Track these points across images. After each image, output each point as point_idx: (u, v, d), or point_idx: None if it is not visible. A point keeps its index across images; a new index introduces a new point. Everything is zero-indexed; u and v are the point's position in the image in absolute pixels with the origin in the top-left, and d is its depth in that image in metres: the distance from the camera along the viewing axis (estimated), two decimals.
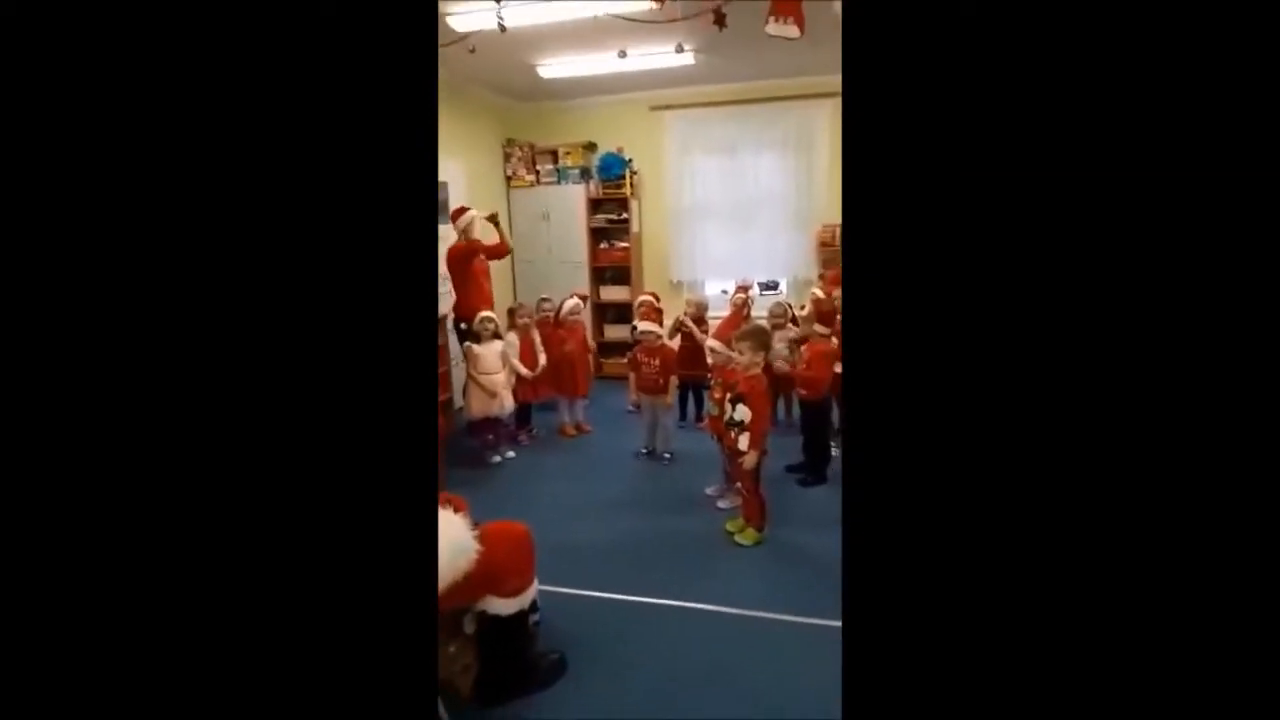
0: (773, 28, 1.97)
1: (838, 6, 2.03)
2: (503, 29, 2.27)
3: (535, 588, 1.83)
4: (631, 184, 5.02)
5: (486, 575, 1.63)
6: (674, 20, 2.14)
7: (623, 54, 3.06)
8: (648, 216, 5.27)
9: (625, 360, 4.31)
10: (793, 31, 1.96)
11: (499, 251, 3.89)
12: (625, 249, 5.10)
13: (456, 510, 1.64)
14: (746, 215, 5.04)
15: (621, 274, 5.18)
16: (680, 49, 2.39)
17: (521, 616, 1.77)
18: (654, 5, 1.99)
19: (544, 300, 3.99)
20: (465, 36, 2.44)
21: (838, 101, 4.60)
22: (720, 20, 2.04)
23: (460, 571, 1.54)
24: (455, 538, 1.56)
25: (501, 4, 2.18)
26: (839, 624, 1.98)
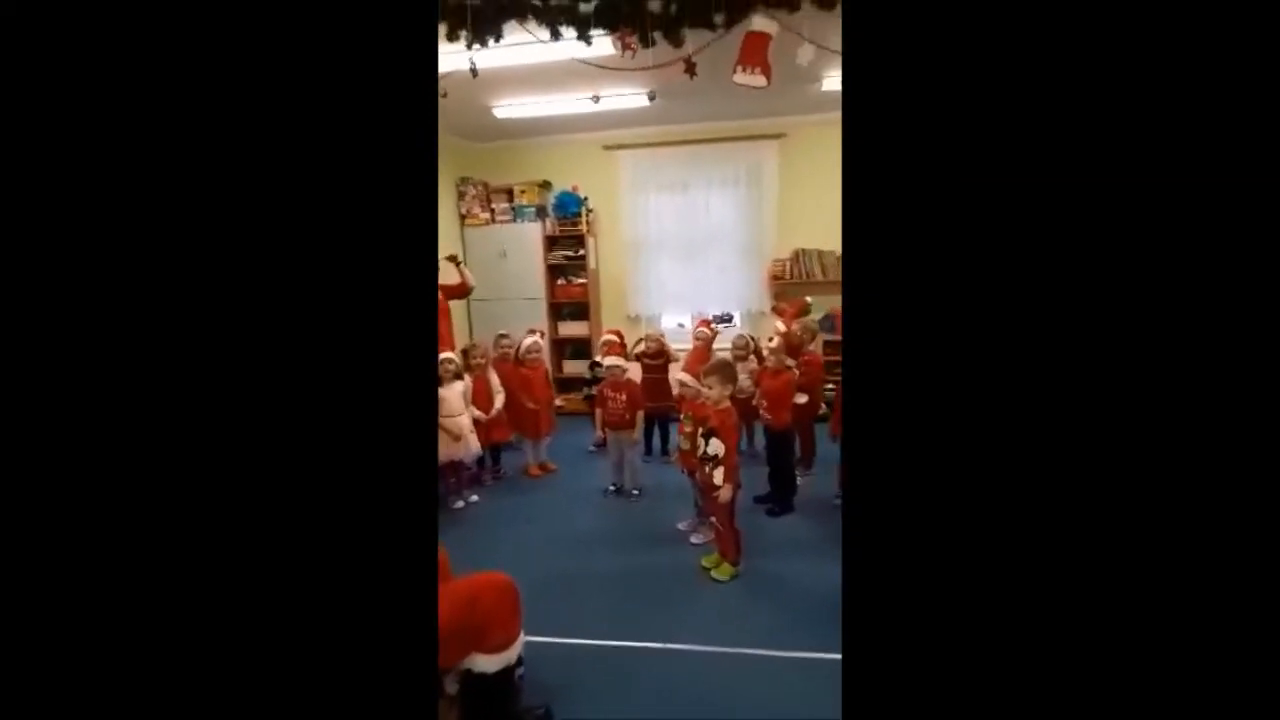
0: (740, 77, 2.06)
1: (803, 54, 2.15)
2: (474, 73, 2.28)
3: (522, 640, 1.76)
4: (587, 221, 5.07)
5: (471, 631, 1.56)
6: (645, 68, 2.21)
7: (596, 99, 3.12)
8: (604, 252, 5.32)
9: (583, 397, 4.31)
10: (759, 81, 2.06)
11: (460, 291, 3.83)
12: (583, 285, 5.11)
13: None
14: (700, 250, 5.17)
15: (580, 310, 5.19)
16: (653, 97, 2.46)
17: (507, 673, 1.69)
18: (626, 53, 2.06)
19: (502, 337, 3.93)
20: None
21: (783, 142, 4.85)
22: (691, 69, 2.13)
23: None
24: None
25: (474, 49, 2.20)
26: (825, 656, 2.02)
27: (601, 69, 2.45)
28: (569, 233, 5.07)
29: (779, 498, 3.19)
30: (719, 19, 2.06)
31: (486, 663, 1.62)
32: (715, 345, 3.90)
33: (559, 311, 5.22)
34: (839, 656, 1.97)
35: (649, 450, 3.94)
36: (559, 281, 5.15)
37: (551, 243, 5.08)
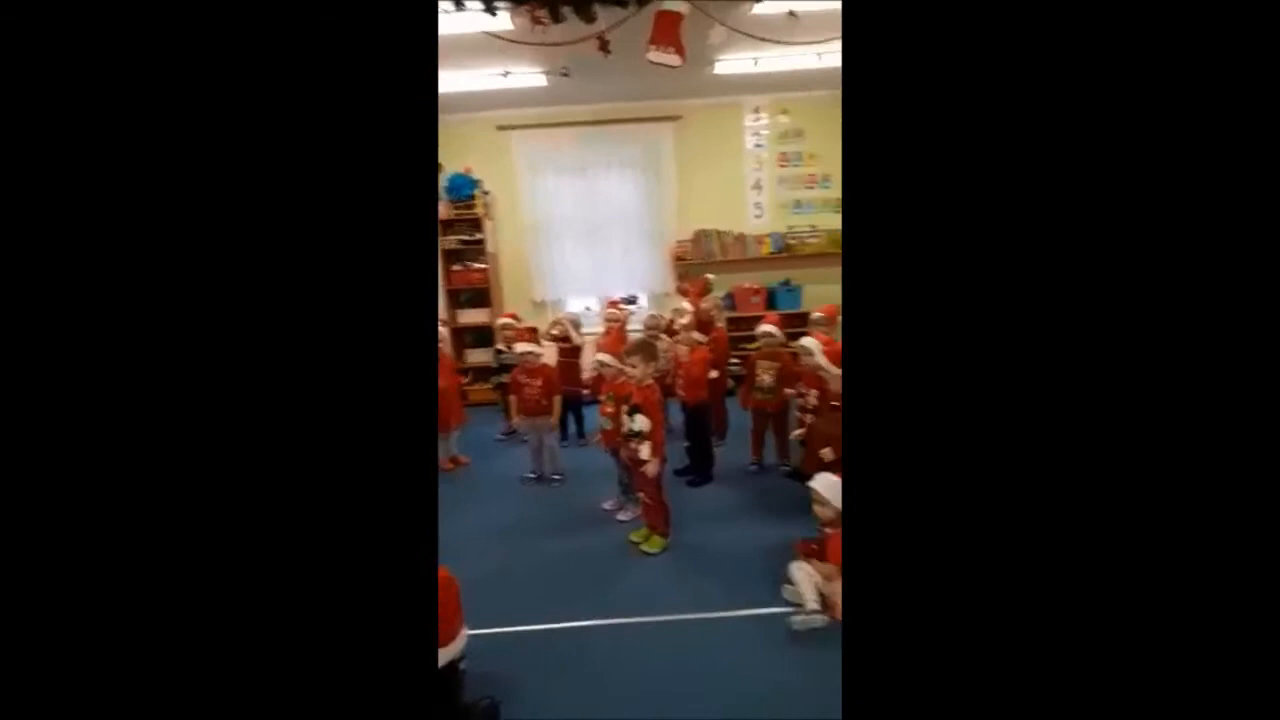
0: (655, 55, 2.07)
1: (715, 35, 2.19)
2: None
3: (464, 635, 1.71)
4: (484, 204, 4.89)
5: None
6: (558, 44, 2.15)
7: (506, 73, 3.00)
8: (504, 236, 5.16)
9: (493, 386, 4.19)
10: (674, 60, 2.07)
11: None
12: (483, 270, 4.94)
13: None
14: (601, 233, 5.17)
15: (480, 296, 5.01)
16: (566, 73, 2.40)
17: (451, 667, 1.64)
18: (535, 27, 1.99)
19: None
20: None
21: (678, 124, 4.94)
22: (605, 46, 2.10)
23: None
24: None
25: None
26: (759, 612, 2.14)
27: (511, 43, 2.36)
28: (464, 216, 4.87)
29: (698, 469, 3.30)
30: None
31: None
32: (628, 326, 3.94)
33: (456, 298, 5.01)
34: (773, 610, 2.12)
35: (564, 435, 3.91)
36: (455, 267, 4.94)
37: (446, 226, 4.85)
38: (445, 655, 1.61)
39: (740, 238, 5.07)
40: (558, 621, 2.17)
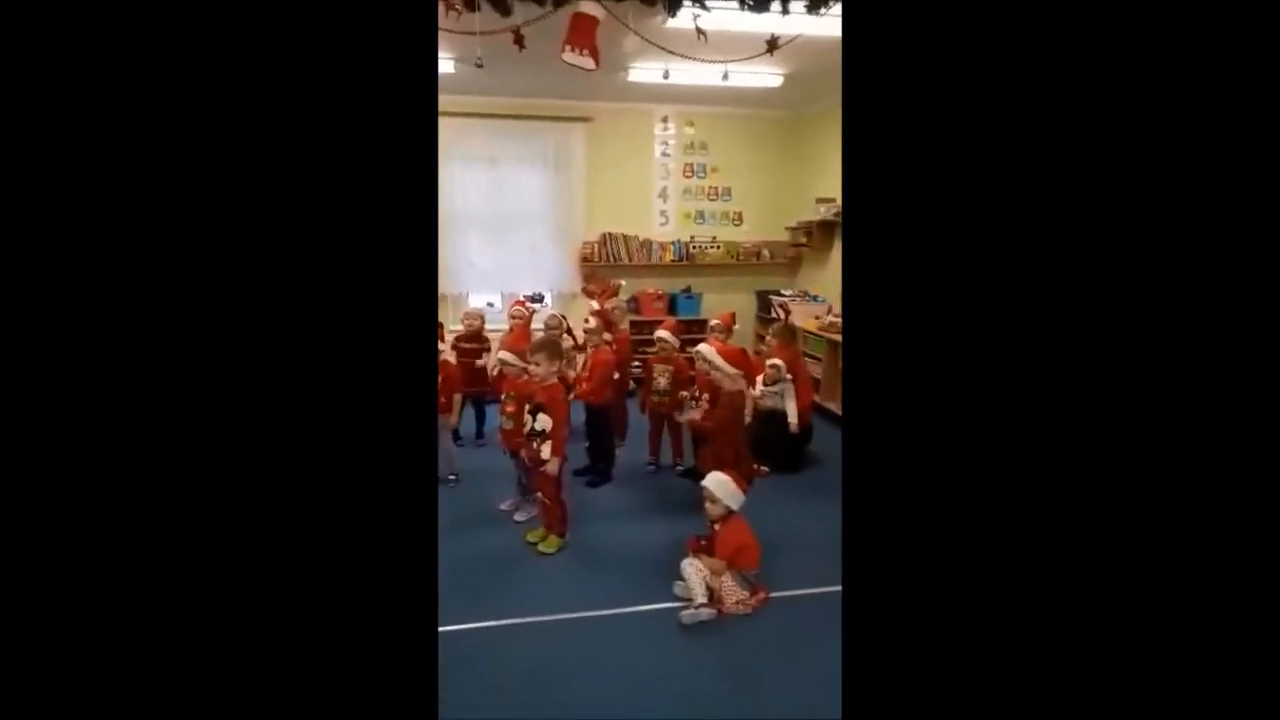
0: (569, 57, 2.08)
1: (629, 43, 2.22)
2: None
3: None
4: None
5: None
6: (470, 33, 2.11)
7: None
8: None
9: None
10: (588, 63, 2.10)
11: None
12: None
13: None
14: (509, 229, 5.08)
15: None
16: (480, 64, 2.35)
17: None
18: (449, 14, 1.94)
19: None
20: None
21: (590, 126, 4.97)
22: (520, 41, 2.08)
23: None
24: None
25: None
26: (657, 607, 2.21)
27: None
28: None
29: (598, 469, 3.34)
30: None
31: None
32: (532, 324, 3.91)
33: None
34: (668, 605, 2.20)
35: (457, 436, 3.81)
36: None
37: None
38: None
39: (645, 243, 5.18)
40: (454, 624, 2.12)
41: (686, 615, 2.14)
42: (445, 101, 4.66)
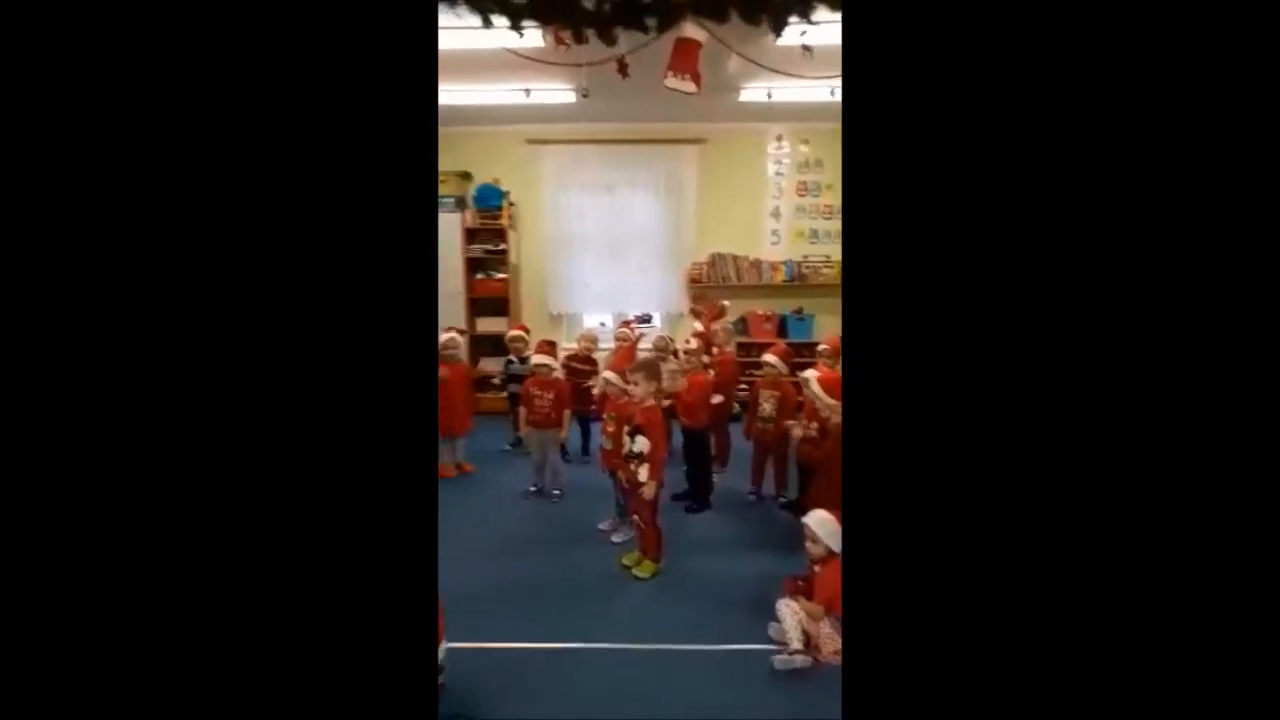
0: (671, 82, 2.10)
1: (732, 65, 2.20)
2: None
3: (444, 647, 1.70)
4: (509, 215, 4.96)
5: None
6: (578, 65, 2.19)
7: (528, 92, 3.05)
8: (525, 248, 5.23)
9: (506, 395, 4.22)
10: (690, 87, 2.10)
11: None
12: (503, 280, 5.00)
13: None
14: (621, 251, 5.20)
15: (499, 305, 5.07)
16: (586, 94, 2.44)
17: None
18: (559, 47, 2.03)
19: None
20: None
21: (702, 147, 4.98)
22: (624, 69, 2.14)
23: None
24: None
25: None
26: (746, 647, 2.10)
27: (533, 61, 2.41)
28: (489, 226, 4.95)
29: (696, 496, 3.27)
30: (651, 22, 2.09)
31: None
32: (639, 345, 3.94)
33: (477, 307, 5.08)
34: (760, 647, 2.08)
35: (565, 452, 3.92)
36: (477, 276, 5.01)
37: (471, 235, 4.94)
38: None
39: (756, 263, 5.07)
40: (541, 641, 2.15)
41: (779, 661, 2.01)
42: (564, 130, 4.92)
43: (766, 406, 3.23)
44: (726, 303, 4.28)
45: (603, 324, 5.27)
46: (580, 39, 2.09)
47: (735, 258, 5.08)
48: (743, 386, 3.96)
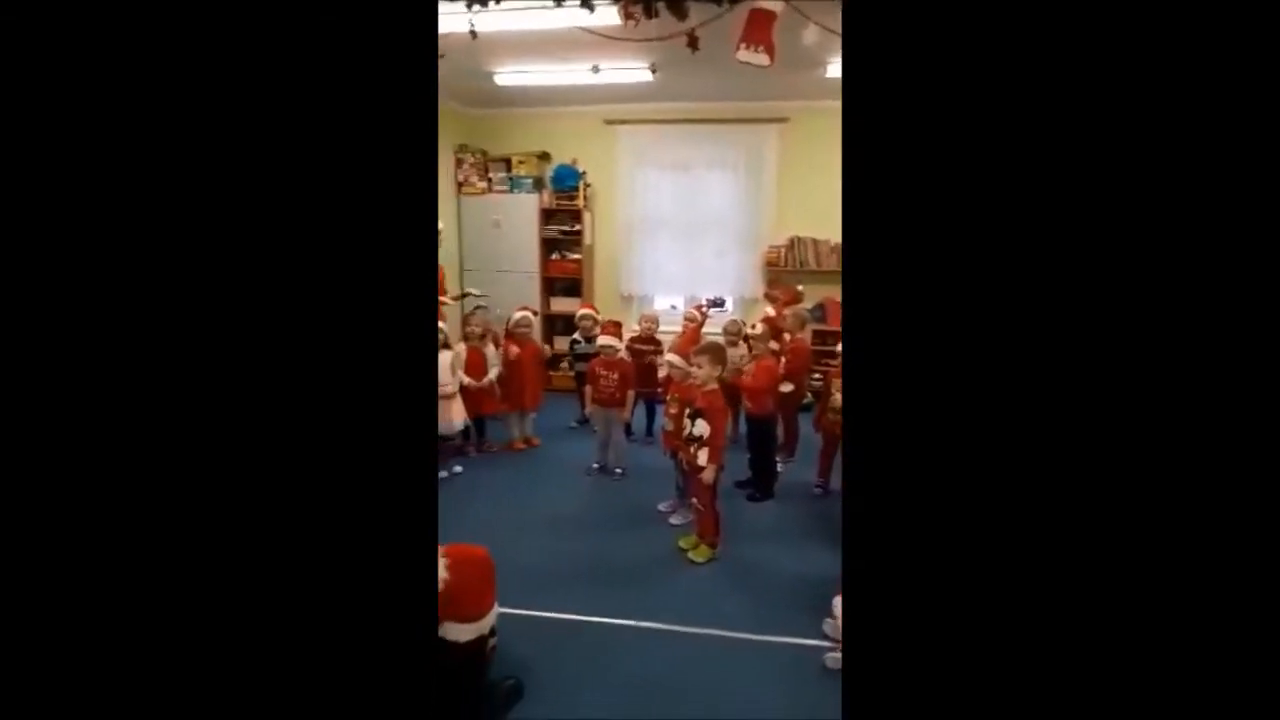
0: (744, 54, 2.02)
1: (808, 35, 2.10)
2: (474, 35, 2.22)
3: (495, 612, 1.77)
4: (584, 196, 5.01)
5: (446, 600, 1.56)
6: (647, 40, 2.16)
7: (596, 69, 3.05)
8: (600, 229, 5.27)
9: (573, 374, 4.31)
10: (763, 60, 2.01)
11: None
12: (577, 261, 5.07)
13: None
14: (696, 232, 5.12)
15: (572, 286, 5.15)
16: (654, 70, 2.40)
17: (480, 642, 1.71)
18: (628, 22, 2.01)
19: (479, 309, 3.92)
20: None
21: (784, 126, 4.79)
22: (694, 43, 2.08)
23: None
24: None
25: (473, 10, 2.14)
26: (799, 641, 2.05)
27: (603, 38, 2.39)
28: (565, 207, 5.01)
29: (759, 484, 3.21)
30: None
31: (460, 631, 1.63)
32: (705, 329, 3.89)
33: (551, 287, 5.18)
34: (813, 642, 2.02)
35: (629, 431, 3.94)
36: (553, 256, 5.10)
37: (547, 216, 5.02)
38: (475, 630, 1.67)
39: (836, 248, 4.85)
40: (593, 615, 2.19)
41: (831, 659, 1.95)
42: (643, 109, 4.88)
43: (838, 397, 3.10)
44: (802, 288, 4.14)
45: (673, 307, 5.23)
46: (651, 13, 2.04)
47: (815, 242, 4.88)
48: (817, 375, 3.83)
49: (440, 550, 1.56)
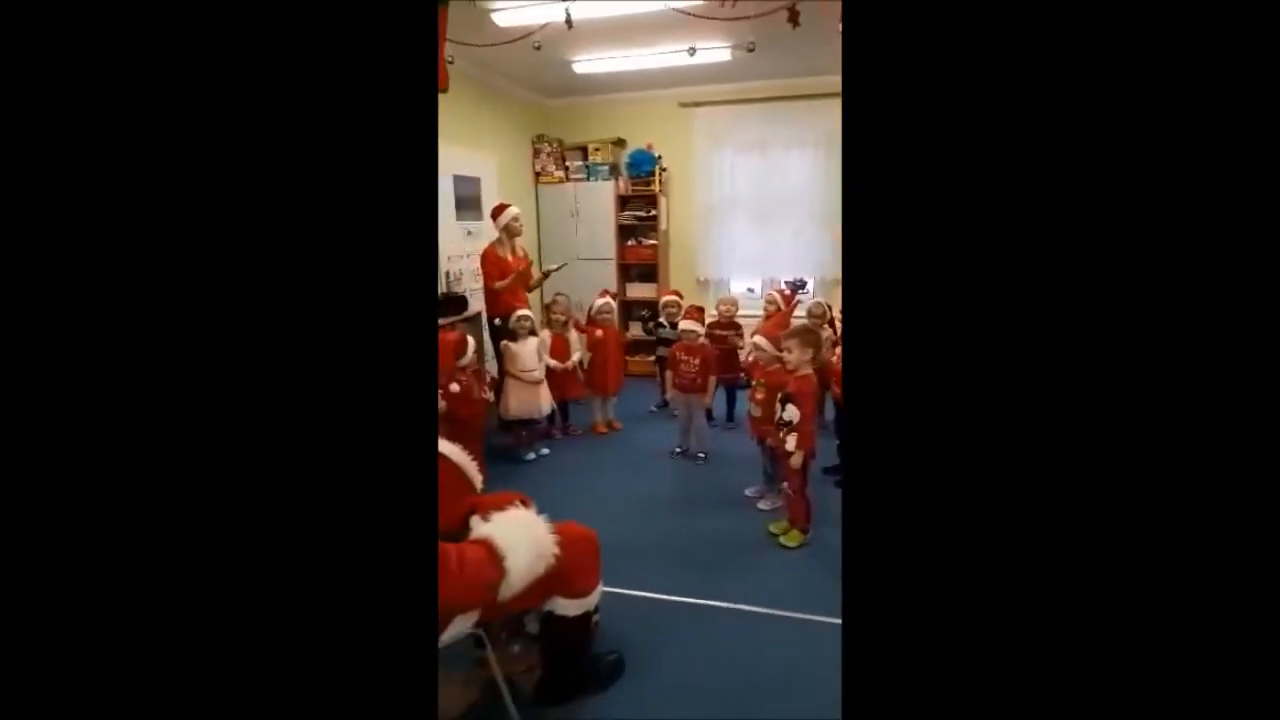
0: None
1: None
2: (569, 25, 2.24)
3: (600, 590, 1.82)
4: (660, 181, 4.99)
5: (557, 576, 1.62)
6: (744, 18, 2.11)
7: (692, 51, 3.03)
8: (675, 214, 5.25)
9: (654, 359, 4.33)
10: None
11: (514, 268, 3.71)
12: (653, 246, 5.08)
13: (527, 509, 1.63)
14: (774, 214, 5.01)
15: (649, 271, 5.16)
16: (752, 48, 2.35)
17: (586, 618, 1.76)
18: (725, 3, 1.97)
19: (559, 296, 3.98)
20: (529, 34, 2.40)
21: None
22: (794, 18, 2.02)
23: (538, 573, 1.52)
24: (539, 539, 1.54)
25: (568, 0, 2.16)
26: None
27: (697, 19, 2.36)
28: (641, 193, 5.02)
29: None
30: None
31: (567, 606, 1.68)
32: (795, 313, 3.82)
33: (628, 273, 5.21)
34: None
35: (710, 416, 3.94)
36: (629, 242, 5.13)
37: (623, 202, 5.05)
38: (582, 606, 1.72)
39: None
40: (686, 595, 2.22)
41: None
42: (719, 90, 4.80)
43: None
44: None
45: (750, 290, 5.16)
46: None
47: None
48: None
49: (552, 528, 1.62)
